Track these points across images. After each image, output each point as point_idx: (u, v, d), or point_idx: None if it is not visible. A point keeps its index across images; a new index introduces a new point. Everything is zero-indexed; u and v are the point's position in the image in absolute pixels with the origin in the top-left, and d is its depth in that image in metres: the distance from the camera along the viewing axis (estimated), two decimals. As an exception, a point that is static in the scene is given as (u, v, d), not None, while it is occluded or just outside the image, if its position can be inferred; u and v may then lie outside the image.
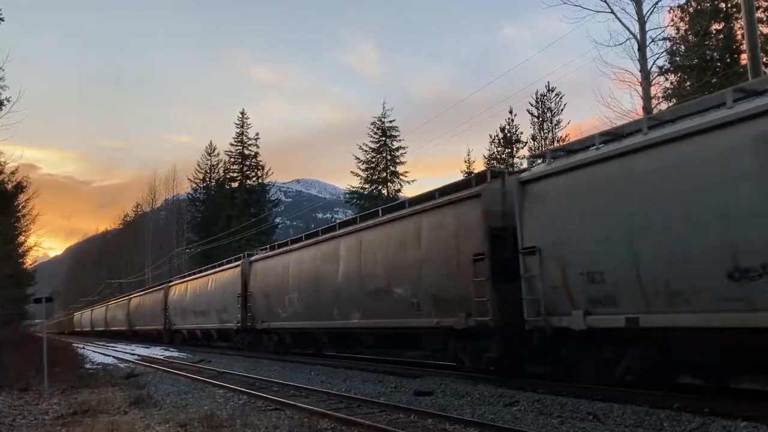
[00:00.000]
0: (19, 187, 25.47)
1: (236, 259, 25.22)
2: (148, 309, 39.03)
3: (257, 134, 56.28)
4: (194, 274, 31.45)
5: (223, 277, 25.78)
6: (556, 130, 36.24)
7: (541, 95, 36.54)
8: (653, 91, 20.81)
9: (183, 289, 31.92)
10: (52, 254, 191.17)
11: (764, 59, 17.38)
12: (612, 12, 19.35)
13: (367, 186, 45.52)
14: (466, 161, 41.81)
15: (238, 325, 23.38)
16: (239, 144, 55.67)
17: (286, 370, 16.64)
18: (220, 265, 27.49)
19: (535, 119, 36.74)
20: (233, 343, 25.54)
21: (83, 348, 34.89)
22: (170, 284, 35.10)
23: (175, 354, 26.68)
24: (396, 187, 45.49)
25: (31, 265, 49.31)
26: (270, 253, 21.98)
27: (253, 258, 23.33)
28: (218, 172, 59.34)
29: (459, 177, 37.62)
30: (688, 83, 23.02)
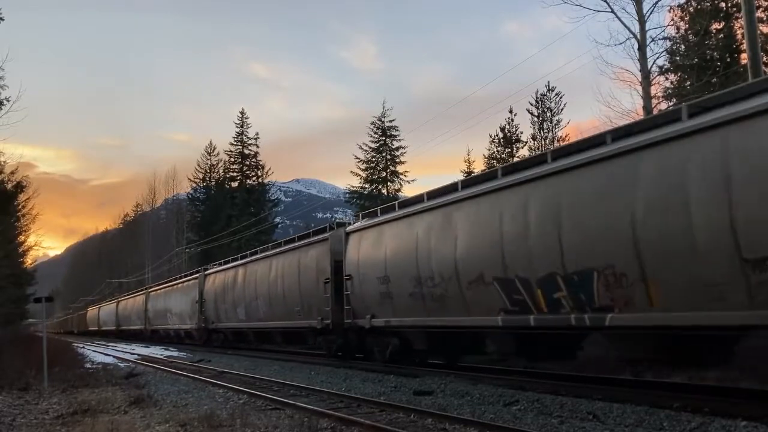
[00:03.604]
0: (19, 187, 25.46)
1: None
2: (252, 292, 22.64)
3: (257, 134, 56.49)
4: (413, 203, 14.28)
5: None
6: (556, 129, 36.26)
7: (541, 95, 36.53)
8: (653, 90, 20.87)
9: (379, 239, 14.91)
10: (51, 254, 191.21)
11: (764, 59, 17.38)
12: (612, 11, 19.41)
13: (367, 186, 45.56)
14: (465, 161, 41.89)
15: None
16: (239, 143, 55.77)
17: (285, 369, 16.64)
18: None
19: (535, 119, 36.76)
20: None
21: (83, 348, 34.89)
22: (345, 231, 16.61)
23: (175, 354, 26.66)
24: (396, 187, 45.57)
25: (31, 264, 49.34)
26: None
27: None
28: (218, 171, 59.52)
29: (459, 176, 37.71)
30: (688, 83, 23.01)
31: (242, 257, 25.60)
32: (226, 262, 27.55)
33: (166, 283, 38.18)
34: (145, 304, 40.29)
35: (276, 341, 22.73)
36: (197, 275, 30.26)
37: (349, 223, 16.92)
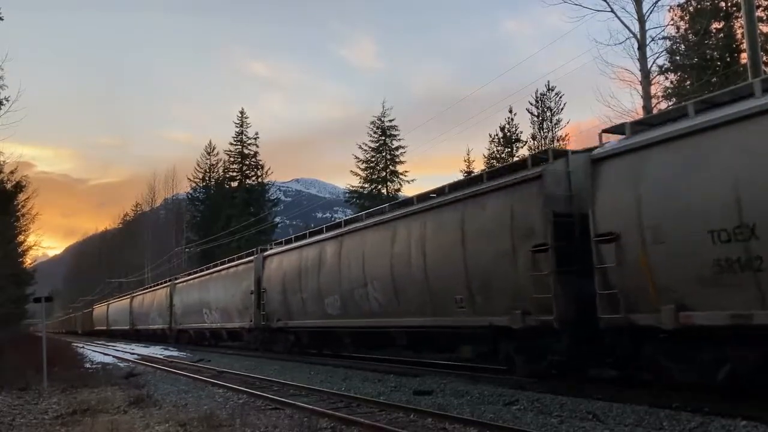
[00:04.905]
0: (19, 186, 25.45)
1: None
2: (354, 275, 15.91)
3: (257, 133, 56.49)
4: None
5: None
6: (556, 129, 36.34)
7: (540, 94, 36.65)
8: (653, 90, 20.92)
9: (722, 155, 7.71)
10: (51, 253, 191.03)
11: (764, 58, 17.38)
12: (612, 11, 19.48)
13: (366, 185, 45.59)
14: (465, 160, 41.96)
15: None
16: (239, 143, 55.77)
17: (285, 369, 16.62)
18: None
19: (535, 118, 36.82)
20: None
21: (83, 347, 34.88)
22: (591, 157, 9.60)
23: (175, 353, 26.66)
24: (395, 187, 45.62)
25: (30, 264, 49.31)
26: None
27: None
28: (218, 171, 59.55)
29: (459, 176, 37.74)
30: (688, 82, 23.04)
31: (329, 228, 18.76)
32: (297, 239, 20.82)
33: (201, 271, 30.35)
34: (169, 298, 33.00)
35: (397, 345, 15.43)
36: (252, 258, 23.37)
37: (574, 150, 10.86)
